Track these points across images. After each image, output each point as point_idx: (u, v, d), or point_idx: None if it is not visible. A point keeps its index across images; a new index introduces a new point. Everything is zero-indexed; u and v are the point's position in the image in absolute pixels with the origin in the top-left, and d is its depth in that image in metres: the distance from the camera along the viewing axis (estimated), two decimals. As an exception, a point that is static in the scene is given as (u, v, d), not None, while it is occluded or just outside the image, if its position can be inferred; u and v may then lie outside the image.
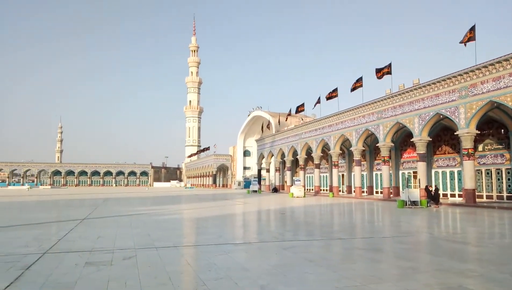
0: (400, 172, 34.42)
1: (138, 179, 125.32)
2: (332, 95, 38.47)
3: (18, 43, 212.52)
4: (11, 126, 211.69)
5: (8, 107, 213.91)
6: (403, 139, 34.04)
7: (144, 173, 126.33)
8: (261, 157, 60.85)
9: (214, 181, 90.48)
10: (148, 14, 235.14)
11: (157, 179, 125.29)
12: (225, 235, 10.85)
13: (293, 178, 46.09)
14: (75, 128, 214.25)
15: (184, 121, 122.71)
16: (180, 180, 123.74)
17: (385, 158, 31.29)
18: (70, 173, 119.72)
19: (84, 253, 7.68)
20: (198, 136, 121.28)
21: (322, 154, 42.84)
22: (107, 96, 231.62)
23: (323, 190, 46.12)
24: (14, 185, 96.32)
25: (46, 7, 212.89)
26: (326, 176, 46.29)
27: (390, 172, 33.46)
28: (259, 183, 58.16)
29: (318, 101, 41.56)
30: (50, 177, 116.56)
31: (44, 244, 8.77)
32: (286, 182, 53.54)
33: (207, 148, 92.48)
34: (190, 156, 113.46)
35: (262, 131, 63.29)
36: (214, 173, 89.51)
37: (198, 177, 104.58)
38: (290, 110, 51.20)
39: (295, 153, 49.18)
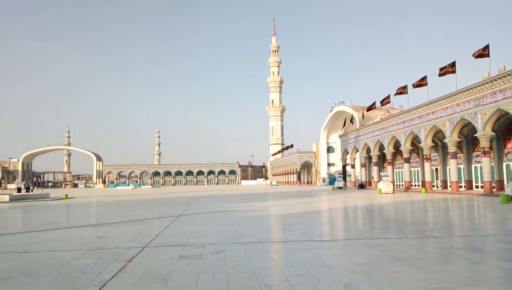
0: (504, 164, 30.80)
1: (227, 178, 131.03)
2: (421, 83, 35.86)
3: (120, 47, 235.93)
4: (118, 133, 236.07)
5: (114, 116, 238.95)
6: (506, 127, 30.42)
7: (232, 172, 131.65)
8: (345, 152, 59.26)
9: (299, 178, 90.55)
10: (227, 20, 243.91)
11: (244, 177, 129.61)
12: (309, 232, 10.85)
13: (380, 173, 44.04)
14: (170, 132, 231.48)
15: (268, 120, 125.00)
16: (266, 178, 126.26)
17: (485, 149, 28.28)
18: (167, 173, 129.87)
19: (178, 248, 8.32)
20: (281, 134, 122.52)
21: (411, 148, 40.23)
22: (196, 100, 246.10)
23: (415, 185, 43.30)
24: (120, 185, 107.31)
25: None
26: (417, 170, 43.38)
27: (492, 164, 30.13)
28: (344, 179, 56.71)
29: (404, 91, 39.10)
30: (150, 178, 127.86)
31: (144, 239, 9.69)
32: (373, 178, 51.39)
33: (291, 146, 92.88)
34: (274, 154, 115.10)
35: (345, 126, 61.59)
36: (298, 170, 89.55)
37: (282, 174, 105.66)
38: (374, 103, 49.01)
39: (381, 148, 46.94)
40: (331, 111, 70.56)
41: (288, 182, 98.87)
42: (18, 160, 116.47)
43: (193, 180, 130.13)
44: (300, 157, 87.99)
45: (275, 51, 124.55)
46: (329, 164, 77.71)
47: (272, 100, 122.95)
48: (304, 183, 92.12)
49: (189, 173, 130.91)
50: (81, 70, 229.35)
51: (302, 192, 44.32)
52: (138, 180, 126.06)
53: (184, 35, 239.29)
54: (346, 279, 5.45)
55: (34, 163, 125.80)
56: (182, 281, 5.62)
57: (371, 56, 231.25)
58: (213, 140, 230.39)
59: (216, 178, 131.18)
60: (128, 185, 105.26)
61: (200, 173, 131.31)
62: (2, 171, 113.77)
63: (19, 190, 45.50)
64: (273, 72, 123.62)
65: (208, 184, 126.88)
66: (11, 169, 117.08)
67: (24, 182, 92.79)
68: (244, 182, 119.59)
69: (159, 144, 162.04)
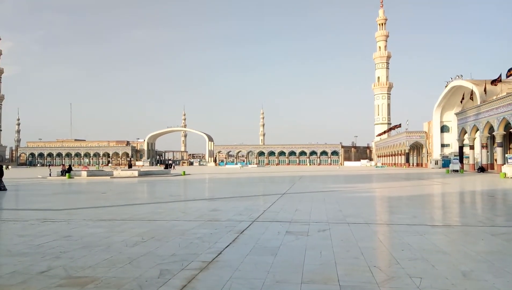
0: None
1: (329, 159, 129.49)
2: None
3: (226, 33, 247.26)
4: (227, 114, 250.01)
5: (224, 98, 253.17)
6: None
7: (334, 153, 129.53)
8: (462, 132, 53.46)
9: (407, 160, 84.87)
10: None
11: (347, 158, 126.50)
12: (420, 216, 10.24)
13: (506, 155, 38.76)
14: (274, 113, 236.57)
15: (373, 99, 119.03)
16: (370, 159, 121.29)
17: None
18: (271, 153, 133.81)
19: (284, 223, 8.65)
20: (387, 113, 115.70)
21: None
22: (300, 81, 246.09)
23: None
24: (229, 164, 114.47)
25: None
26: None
27: None
28: (461, 161, 51.37)
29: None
30: (256, 157, 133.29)
31: (253, 214, 10.28)
32: (496, 160, 45.57)
33: (398, 126, 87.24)
34: (380, 134, 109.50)
35: (463, 103, 55.34)
36: (407, 151, 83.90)
37: (389, 156, 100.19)
38: (499, 76, 43.00)
39: (507, 126, 41.17)
40: (446, 86, 63.98)
41: (395, 164, 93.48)
42: (144, 140, 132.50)
43: (296, 160, 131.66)
44: (409, 137, 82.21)
45: (382, 24, 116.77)
46: (442, 145, 71.16)
47: (378, 77, 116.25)
48: (413, 165, 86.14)
49: (292, 153, 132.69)
50: (198, 58, 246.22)
51: (411, 174, 41.59)
52: (245, 159, 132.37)
53: (292, 16, 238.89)
54: (465, 267, 5.07)
55: (157, 143, 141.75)
56: (290, 254, 5.87)
57: (498, 20, 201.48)
58: (316, 120, 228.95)
59: (318, 159, 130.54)
60: (236, 164, 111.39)
61: (303, 153, 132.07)
62: (132, 150, 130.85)
63: (167, 166, 57.73)
64: (380, 47, 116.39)
65: (310, 164, 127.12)
66: (138, 148, 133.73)
67: (149, 160, 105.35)
68: (347, 163, 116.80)
69: (263, 125, 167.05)
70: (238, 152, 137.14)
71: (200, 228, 8.17)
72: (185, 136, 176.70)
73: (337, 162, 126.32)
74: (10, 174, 43.54)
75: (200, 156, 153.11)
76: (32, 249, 6.26)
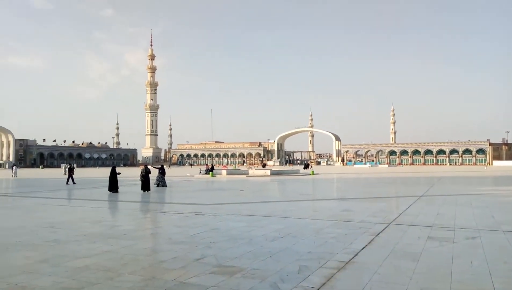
0: None
1: (473, 158, 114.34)
2: None
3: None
4: (354, 113, 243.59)
5: (351, 96, 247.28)
6: None
7: (480, 151, 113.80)
8: None
9: None
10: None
11: (496, 157, 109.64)
12: None
13: None
14: (405, 110, 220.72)
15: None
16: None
17: None
18: (404, 152, 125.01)
19: (424, 228, 8.08)
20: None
21: None
22: (432, 74, 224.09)
23: None
24: (357, 164, 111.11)
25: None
26: None
27: None
28: None
29: None
30: (386, 157, 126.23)
31: (388, 216, 9.86)
32: None
33: None
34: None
35: None
36: None
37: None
38: None
39: None
40: None
41: None
42: (274, 141, 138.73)
43: (433, 159, 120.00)
44: None
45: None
46: None
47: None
48: None
49: (428, 152, 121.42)
50: (323, 59, 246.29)
51: None
52: (374, 159, 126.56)
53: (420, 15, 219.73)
54: None
55: (286, 143, 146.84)
56: (434, 261, 5.49)
57: None
58: (455, 115, 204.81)
59: (460, 158, 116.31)
60: (365, 163, 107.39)
61: (441, 152, 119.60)
62: (263, 150, 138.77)
63: (306, 166, 61.28)
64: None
65: (450, 164, 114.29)
66: (269, 149, 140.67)
67: (279, 159, 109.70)
68: (496, 163, 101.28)
69: (394, 123, 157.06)
70: (367, 152, 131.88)
71: (334, 227, 8.22)
72: (312, 136, 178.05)
73: (484, 162, 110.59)
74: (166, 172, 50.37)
75: (327, 156, 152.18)
76: (188, 239, 7.22)
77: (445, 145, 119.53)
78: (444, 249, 6.19)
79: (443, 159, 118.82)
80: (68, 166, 29.74)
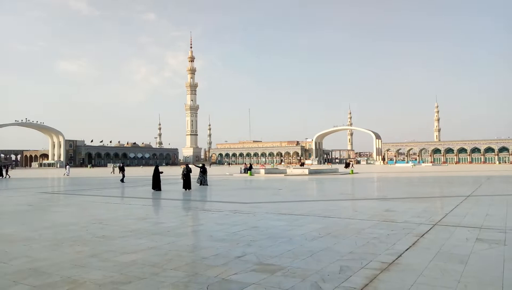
0: None
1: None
2: None
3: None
4: (395, 111, 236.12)
5: (391, 94, 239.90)
6: None
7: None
8: None
9: None
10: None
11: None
12: None
13: None
14: (449, 107, 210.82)
15: None
16: None
17: None
18: (449, 150, 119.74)
19: (473, 229, 7.72)
20: None
21: None
22: (477, 67, 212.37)
23: None
24: (399, 163, 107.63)
25: None
26: None
27: None
28: None
29: None
30: (430, 155, 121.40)
31: (433, 216, 9.50)
32: None
33: None
34: None
35: None
36: None
37: None
38: None
39: None
40: None
41: None
42: (312, 140, 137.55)
43: (480, 158, 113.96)
44: None
45: None
46: None
47: None
48: None
49: (475, 150, 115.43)
50: (362, 56, 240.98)
51: None
52: (417, 157, 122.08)
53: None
54: None
55: (324, 142, 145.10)
56: (483, 264, 5.25)
57: None
58: (505, 110, 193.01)
59: (511, 156, 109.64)
60: (407, 162, 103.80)
61: (489, 150, 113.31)
62: (301, 149, 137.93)
63: (347, 165, 59.27)
64: None
65: (500, 162, 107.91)
66: (307, 148, 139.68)
67: (317, 158, 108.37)
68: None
69: (438, 120, 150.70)
70: (409, 150, 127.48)
71: (375, 228, 8.05)
72: (351, 134, 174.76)
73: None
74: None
75: (367, 154, 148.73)
76: (229, 236, 7.35)
77: (493, 142, 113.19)
78: (494, 252, 5.90)
79: (491, 158, 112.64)
80: (120, 165, 31.72)
